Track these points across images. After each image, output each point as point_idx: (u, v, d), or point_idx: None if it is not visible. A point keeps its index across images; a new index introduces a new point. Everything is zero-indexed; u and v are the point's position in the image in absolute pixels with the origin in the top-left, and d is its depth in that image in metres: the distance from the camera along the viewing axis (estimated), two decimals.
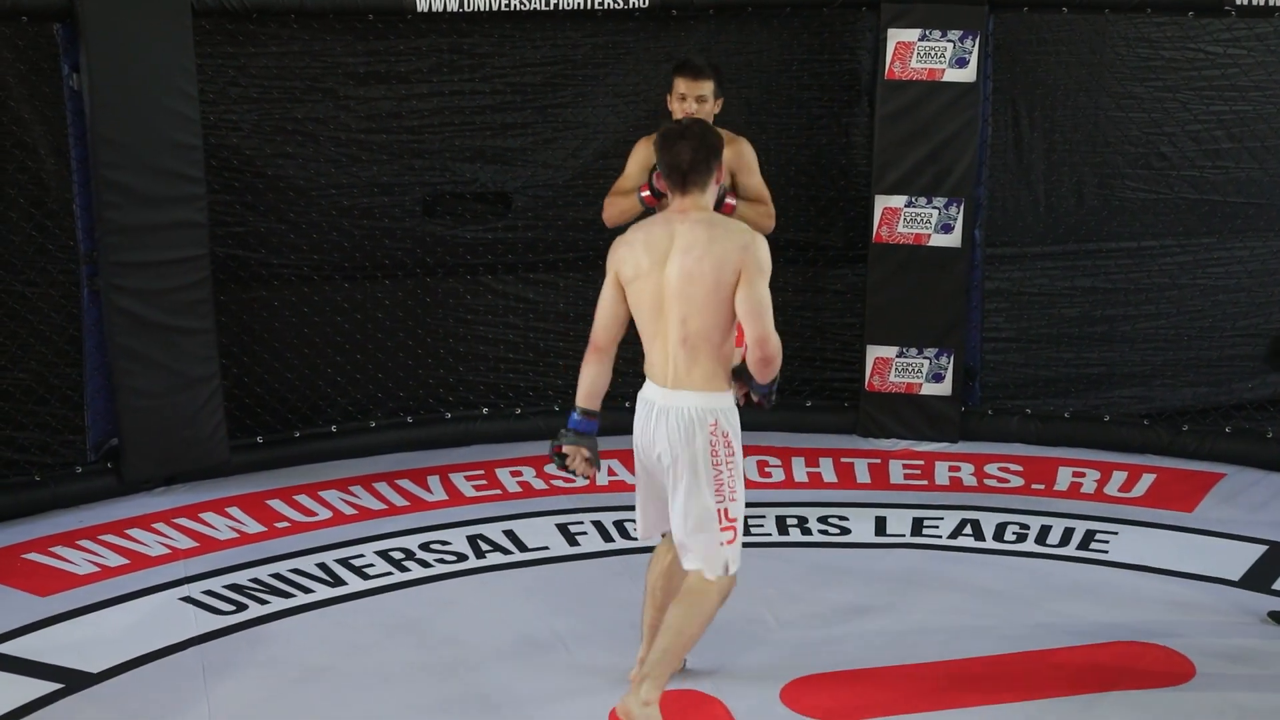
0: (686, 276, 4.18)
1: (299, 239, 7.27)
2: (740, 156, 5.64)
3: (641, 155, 5.80)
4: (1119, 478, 7.06)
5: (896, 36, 7.29)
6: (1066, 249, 7.84)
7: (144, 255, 6.49)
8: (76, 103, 6.36)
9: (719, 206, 5.01)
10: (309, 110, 7.19)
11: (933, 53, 7.30)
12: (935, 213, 7.36)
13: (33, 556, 5.99)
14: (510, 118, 7.53)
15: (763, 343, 4.17)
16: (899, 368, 7.62)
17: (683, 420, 4.24)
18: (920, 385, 7.63)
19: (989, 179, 7.53)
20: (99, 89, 6.29)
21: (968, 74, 7.28)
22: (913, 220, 7.40)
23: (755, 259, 4.15)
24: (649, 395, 4.36)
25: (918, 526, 6.34)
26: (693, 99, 5.60)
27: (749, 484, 6.86)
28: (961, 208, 7.36)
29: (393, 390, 7.55)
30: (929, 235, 7.39)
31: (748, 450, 7.30)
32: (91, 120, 6.29)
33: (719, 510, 4.26)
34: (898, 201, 7.43)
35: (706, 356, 4.24)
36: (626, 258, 4.33)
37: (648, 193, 5.50)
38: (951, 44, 7.25)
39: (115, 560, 5.97)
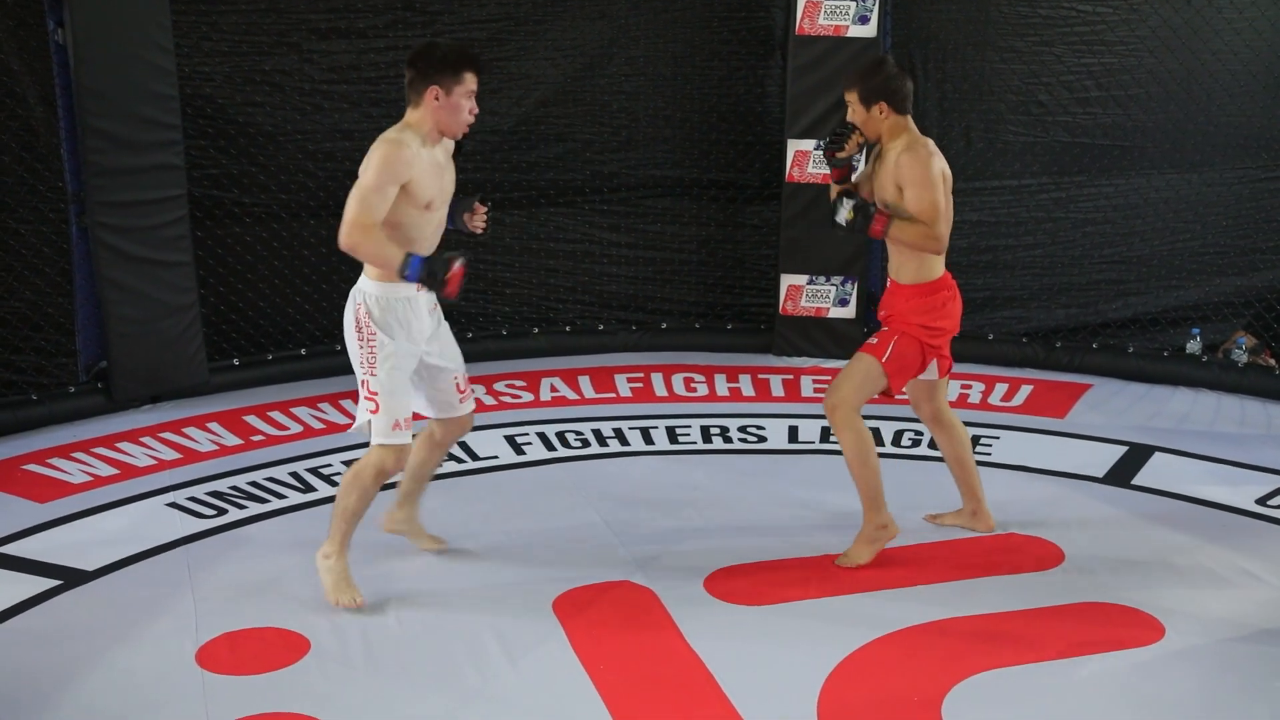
0: None
1: (268, 180, 7.23)
2: (903, 167, 4.78)
3: None
4: (1000, 389, 7.15)
5: None
6: (955, 187, 7.76)
7: (127, 195, 6.45)
8: (62, 55, 6.29)
9: (867, 225, 4.74)
10: (276, 63, 7.13)
11: (838, 11, 7.30)
12: None
13: (31, 467, 5.96)
14: None
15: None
16: (809, 294, 7.68)
17: (351, 301, 4.47)
18: (828, 309, 7.70)
19: None
20: (82, 43, 6.22)
21: (869, 30, 7.29)
22: (821, 162, 7.40)
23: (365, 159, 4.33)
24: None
25: (825, 434, 6.40)
26: (848, 110, 4.92)
27: (678, 398, 6.98)
28: (863, 151, 7.35)
29: None
30: None
31: (676, 368, 7.43)
32: (75, 72, 6.23)
33: (361, 380, 4.40)
34: (808, 145, 7.44)
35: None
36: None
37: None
38: (855, 2, 7.25)
39: (106, 470, 5.94)
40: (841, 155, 4.88)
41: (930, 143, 4.82)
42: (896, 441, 6.32)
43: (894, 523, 4.95)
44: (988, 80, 7.74)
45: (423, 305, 4.50)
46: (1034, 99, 7.72)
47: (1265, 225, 7.77)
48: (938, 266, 4.89)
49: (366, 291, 4.40)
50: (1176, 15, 7.38)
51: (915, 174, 4.72)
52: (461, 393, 4.74)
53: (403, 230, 4.35)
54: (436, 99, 4.32)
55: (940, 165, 4.79)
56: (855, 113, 4.84)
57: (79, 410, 6.57)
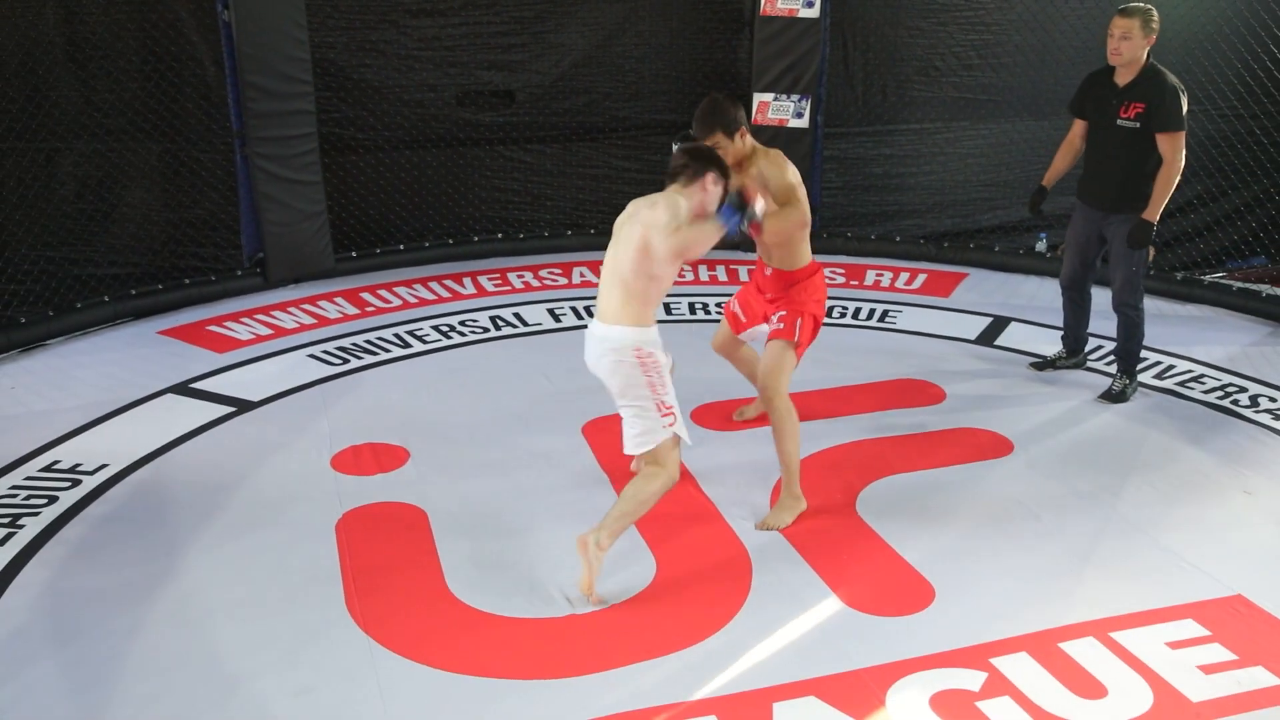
0: (629, 232, 3.46)
1: (375, 121, 7.12)
2: (775, 170, 3.94)
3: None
4: (904, 276, 7.12)
5: None
6: (875, 129, 7.77)
7: (275, 132, 6.36)
8: (227, 30, 6.16)
9: (744, 226, 3.53)
10: (380, 34, 6.98)
11: None
12: (791, 105, 7.25)
13: (212, 328, 5.98)
14: (514, 40, 7.33)
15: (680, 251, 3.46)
16: None
17: (613, 348, 3.48)
18: None
19: (827, 82, 7.40)
20: (241, 20, 6.09)
21: (814, 12, 7.10)
22: (778, 110, 7.29)
23: (664, 213, 3.42)
24: (590, 326, 3.59)
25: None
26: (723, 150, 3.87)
27: (677, 283, 6.93)
28: (809, 101, 7.25)
29: (439, 221, 7.47)
30: (788, 120, 7.28)
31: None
32: (237, 41, 6.11)
33: (656, 403, 3.48)
34: (768, 97, 7.30)
35: (638, 297, 3.46)
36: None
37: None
38: None
39: (264, 331, 5.96)
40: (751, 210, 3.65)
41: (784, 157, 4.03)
42: (829, 315, 6.32)
43: (802, 497, 4.01)
44: (899, 50, 7.58)
45: None
46: (932, 64, 7.57)
47: None
48: (809, 251, 4.17)
49: (637, 340, 3.46)
50: (1036, 4, 7.27)
51: (776, 171, 3.93)
52: None
53: (658, 285, 3.49)
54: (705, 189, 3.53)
55: (793, 172, 3.97)
56: (724, 150, 3.84)
57: (244, 288, 6.55)
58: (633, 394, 3.49)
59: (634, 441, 3.52)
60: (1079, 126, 5.08)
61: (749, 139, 3.99)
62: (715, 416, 4.83)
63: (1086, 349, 5.50)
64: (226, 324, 6.06)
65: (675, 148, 3.87)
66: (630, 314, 3.46)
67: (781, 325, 4.12)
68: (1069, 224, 5.19)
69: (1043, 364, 5.48)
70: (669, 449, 3.50)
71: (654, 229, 3.39)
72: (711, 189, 3.53)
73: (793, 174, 3.96)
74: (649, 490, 3.47)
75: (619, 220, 3.57)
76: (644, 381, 3.46)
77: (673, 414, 3.50)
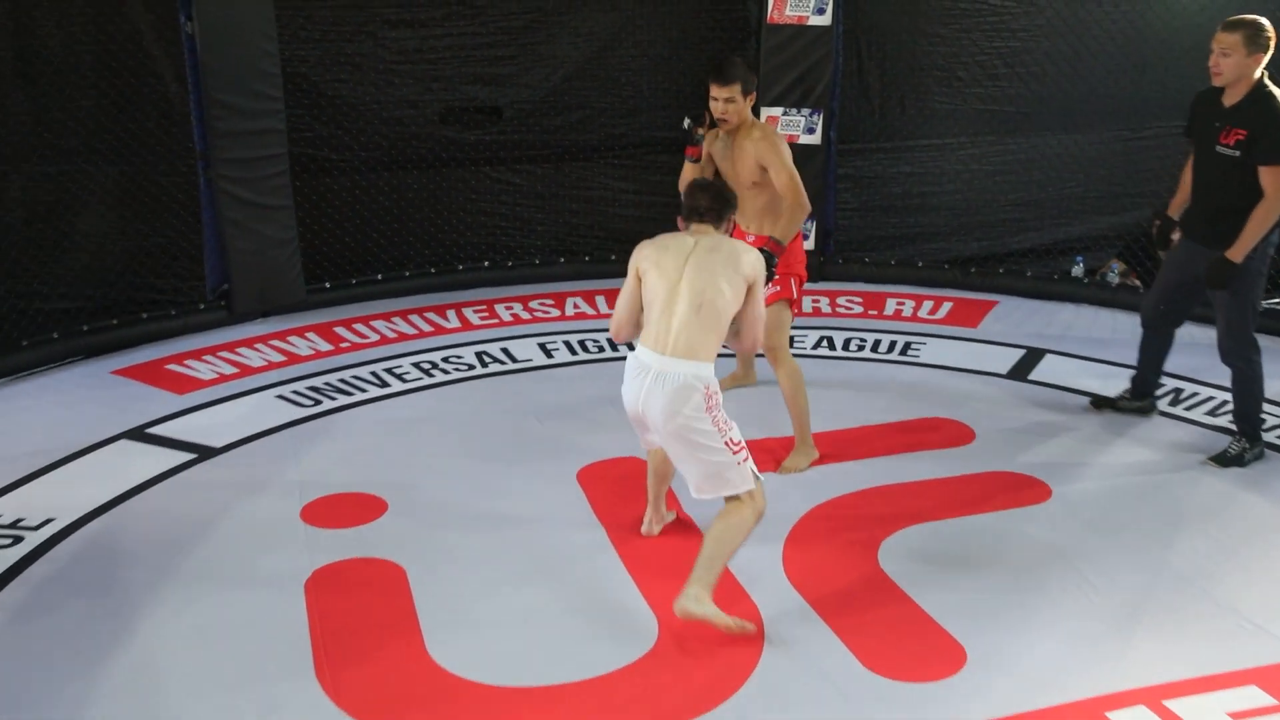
0: (709, 268, 3.51)
1: (351, 140, 7.13)
2: (771, 148, 4.57)
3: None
4: (928, 305, 7.11)
5: None
6: (893, 144, 7.79)
7: (242, 153, 6.37)
8: (191, 43, 6.19)
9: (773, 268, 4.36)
10: (356, 47, 7.01)
11: (800, 4, 7.15)
12: (803, 119, 7.27)
13: (172, 367, 5.95)
14: (500, 52, 7.36)
15: (756, 340, 3.71)
16: None
17: (680, 385, 3.47)
18: None
19: (840, 95, 7.43)
20: (206, 32, 6.13)
21: (826, 19, 7.14)
22: (787, 124, 7.30)
23: (763, 275, 3.64)
24: (644, 359, 3.56)
25: (791, 341, 6.35)
26: (723, 100, 4.55)
27: None
28: (821, 116, 7.27)
29: (420, 249, 7.46)
30: (799, 135, 7.30)
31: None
32: (201, 55, 6.15)
33: (725, 442, 3.51)
34: (777, 111, 7.32)
35: (713, 332, 3.54)
36: (649, 255, 3.63)
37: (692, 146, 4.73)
38: None
39: (229, 369, 5.93)
40: (701, 133, 4.70)
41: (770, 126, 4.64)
42: (846, 347, 6.29)
43: (815, 447, 4.77)
44: (918, 59, 7.61)
45: None
46: (954, 74, 7.60)
47: (1133, 175, 7.75)
48: None
49: (703, 376, 3.50)
50: (1066, 8, 7.29)
51: (774, 155, 4.53)
52: None
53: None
54: None
55: (786, 146, 4.60)
56: (736, 104, 4.52)
57: (207, 322, 6.53)
58: (696, 435, 3.49)
59: (704, 485, 3.56)
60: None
61: (748, 109, 4.60)
62: None
63: (1157, 393, 5.32)
64: (187, 362, 6.03)
65: (686, 124, 4.60)
66: (707, 349, 3.52)
67: (778, 287, 4.66)
68: (1166, 258, 4.98)
69: (1102, 403, 5.35)
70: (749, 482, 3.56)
71: (758, 281, 3.61)
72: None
73: (788, 154, 4.52)
74: (737, 524, 3.51)
75: (679, 247, 3.61)
76: (709, 419, 3.49)
77: (743, 449, 3.55)
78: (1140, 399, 5.28)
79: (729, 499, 3.56)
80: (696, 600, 3.41)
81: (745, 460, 3.54)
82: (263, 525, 4.25)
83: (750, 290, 3.60)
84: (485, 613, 3.69)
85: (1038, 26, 7.42)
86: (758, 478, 3.58)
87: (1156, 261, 6.77)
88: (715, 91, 4.56)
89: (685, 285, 3.53)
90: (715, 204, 3.73)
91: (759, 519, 3.57)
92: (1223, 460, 4.76)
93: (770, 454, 4.78)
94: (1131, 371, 5.34)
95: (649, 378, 3.52)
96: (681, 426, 3.48)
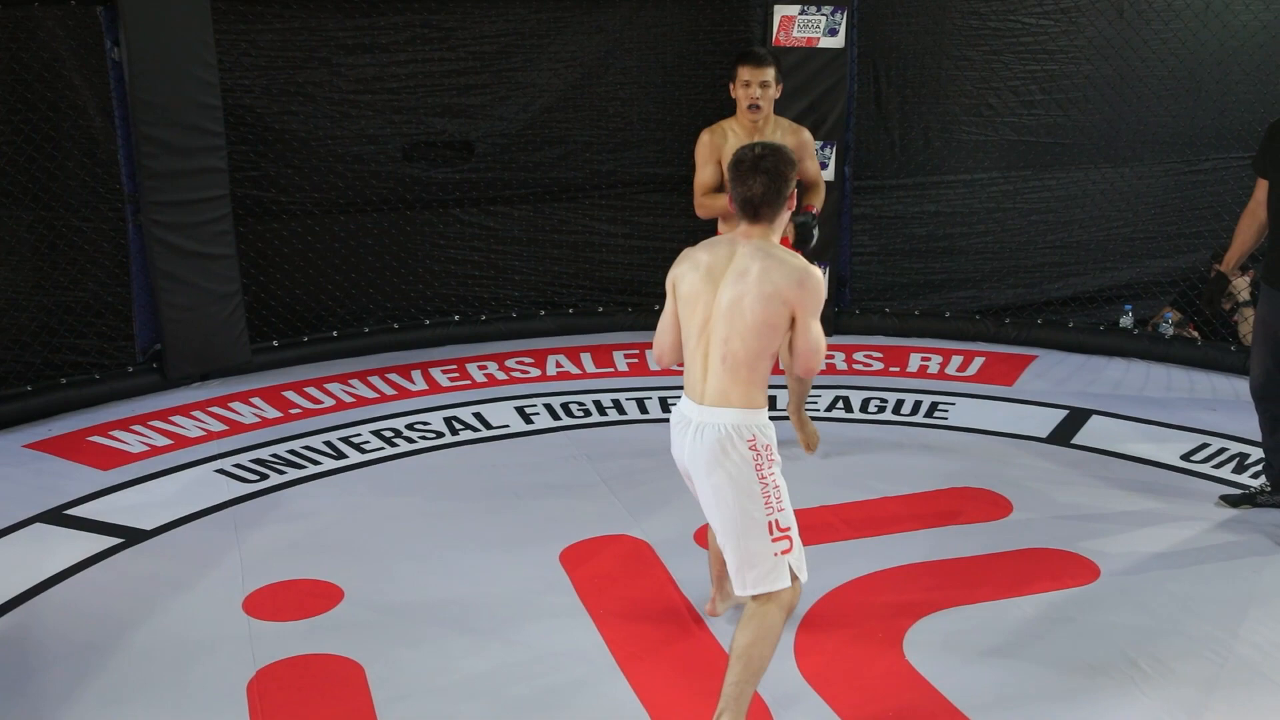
0: (736, 302, 3.37)
1: (303, 181, 7.21)
2: (803, 146, 5.11)
3: (706, 149, 5.17)
4: (956, 360, 7.16)
5: (781, 11, 7.25)
6: (916, 181, 7.89)
7: (177, 195, 6.42)
8: (118, 72, 6.27)
9: (799, 208, 4.78)
10: (308, 75, 7.10)
11: (810, 24, 7.26)
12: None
13: (95, 439, 5.96)
14: (472, 80, 7.46)
15: (810, 369, 3.48)
16: None
17: (719, 436, 3.38)
18: None
19: (855, 125, 7.54)
20: (136, 60, 6.20)
21: (838, 41, 7.26)
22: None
23: (811, 297, 3.35)
24: (685, 411, 3.49)
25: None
26: (757, 84, 4.99)
27: (670, 372, 6.99)
28: (834, 149, 7.36)
29: (381, 302, 7.52)
30: None
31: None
32: (130, 86, 6.22)
33: (769, 522, 3.36)
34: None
35: (745, 378, 3.39)
36: (684, 275, 3.52)
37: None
38: (825, 17, 7.22)
39: (161, 441, 5.94)
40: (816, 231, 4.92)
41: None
42: (865, 408, 6.33)
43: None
44: (944, 85, 7.72)
45: None
46: (985, 102, 7.71)
47: (1188, 213, 7.83)
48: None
49: (757, 424, 3.41)
50: (1110, 27, 7.40)
51: (810, 150, 5.18)
52: None
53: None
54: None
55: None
56: (770, 89, 5.05)
57: (136, 388, 6.55)
58: (739, 498, 3.36)
59: (735, 574, 3.41)
60: (1262, 189, 4.77)
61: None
62: None
63: None
64: (113, 433, 6.04)
65: (803, 218, 4.78)
66: (749, 395, 3.40)
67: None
68: (1254, 312, 4.87)
69: (1239, 500, 5.06)
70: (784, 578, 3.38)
71: (802, 306, 3.37)
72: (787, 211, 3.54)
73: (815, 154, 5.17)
74: (766, 633, 3.34)
75: (713, 264, 3.47)
76: (757, 481, 3.35)
77: (788, 538, 3.37)
78: None
79: (756, 597, 3.38)
80: None
81: (787, 552, 3.36)
82: (199, 619, 4.23)
83: (795, 318, 3.37)
84: (455, 717, 3.67)
85: (1078, 48, 7.54)
86: (797, 576, 3.39)
87: (1216, 310, 6.85)
88: (748, 74, 4.99)
89: (714, 324, 3.42)
90: (774, 187, 3.41)
91: (787, 615, 3.40)
92: None
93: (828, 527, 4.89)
94: (1256, 454, 5.23)
95: (690, 431, 3.43)
96: (722, 484, 3.37)
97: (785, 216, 3.49)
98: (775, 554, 3.34)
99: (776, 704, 3.69)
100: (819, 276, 3.37)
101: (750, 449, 3.35)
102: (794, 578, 3.38)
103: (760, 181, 3.39)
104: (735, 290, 3.37)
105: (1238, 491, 5.12)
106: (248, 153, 6.99)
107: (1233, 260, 4.93)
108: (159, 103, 6.28)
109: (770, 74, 5.02)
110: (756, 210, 3.42)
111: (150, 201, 6.36)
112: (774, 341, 3.39)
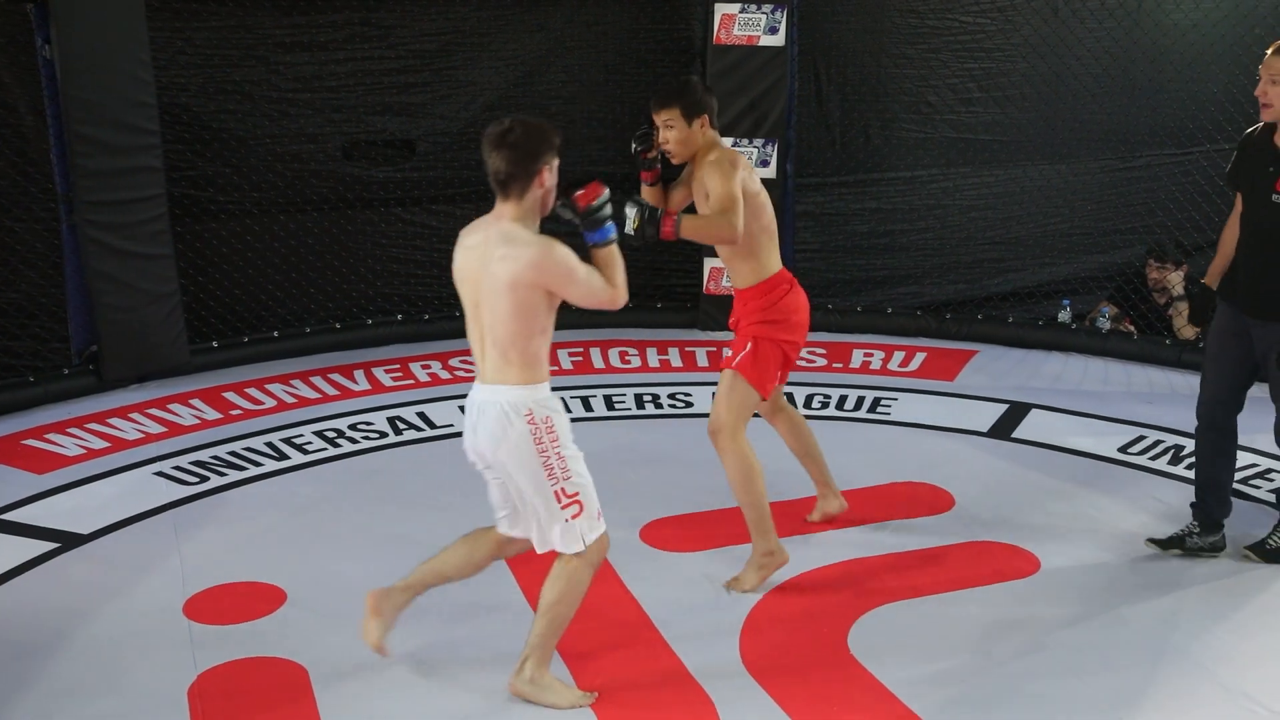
0: (491, 290, 3.48)
1: (241, 180, 7.15)
2: (714, 165, 4.27)
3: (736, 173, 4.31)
4: (898, 356, 7.21)
5: (721, 9, 7.28)
6: (857, 178, 7.94)
7: (111, 195, 6.36)
8: (50, 69, 6.20)
9: (656, 229, 4.09)
10: (245, 73, 7.05)
11: (750, 22, 7.30)
12: (755, 151, 7.38)
13: (30, 442, 5.88)
14: (412, 78, 7.44)
15: (606, 306, 3.58)
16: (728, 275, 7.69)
17: (497, 413, 3.51)
18: None
19: (797, 123, 7.57)
20: (68, 57, 6.13)
21: (778, 40, 7.30)
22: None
23: (554, 271, 3.41)
24: (471, 393, 3.64)
25: None
26: (661, 126, 4.35)
27: (614, 370, 6.98)
28: (776, 147, 7.39)
29: (323, 302, 7.47)
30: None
31: (612, 343, 7.43)
32: (62, 84, 6.15)
33: (555, 491, 3.53)
34: (727, 142, 7.42)
35: (516, 359, 3.52)
36: (456, 257, 3.64)
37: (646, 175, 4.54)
38: (765, 15, 7.25)
39: (98, 444, 5.86)
40: (651, 155, 4.44)
41: (741, 156, 4.37)
42: (809, 404, 6.36)
43: (782, 550, 4.38)
44: (883, 84, 7.79)
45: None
46: (924, 100, 7.78)
47: (1124, 209, 7.95)
48: (772, 264, 4.43)
49: (525, 400, 3.52)
50: (1045, 25, 7.50)
51: (716, 177, 4.22)
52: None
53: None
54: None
55: (743, 174, 4.26)
56: (676, 129, 4.30)
57: (72, 390, 6.47)
58: (522, 476, 3.55)
59: (538, 543, 3.63)
60: (1241, 201, 4.50)
61: (710, 133, 4.37)
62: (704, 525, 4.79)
63: (1228, 519, 4.64)
64: (48, 436, 5.96)
65: (634, 147, 4.44)
66: (521, 370, 3.54)
67: (730, 352, 4.43)
68: (1209, 330, 4.59)
69: (1168, 543, 4.64)
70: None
71: (552, 277, 3.46)
72: (549, 181, 3.51)
73: (738, 181, 4.20)
74: (571, 589, 3.59)
75: (471, 245, 3.61)
76: (537, 458, 3.51)
77: (575, 502, 3.55)
78: (1211, 531, 4.62)
79: (561, 555, 3.60)
80: (530, 680, 3.63)
81: (576, 517, 3.55)
82: (138, 624, 4.18)
83: (528, 287, 3.41)
84: (401, 717, 3.65)
85: (1014, 46, 7.63)
86: (590, 534, 3.57)
87: (1151, 304, 6.94)
88: (654, 116, 4.39)
89: (481, 308, 3.57)
90: (518, 164, 3.43)
91: (594, 571, 3.63)
92: (1263, 553, 4.56)
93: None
94: (1182, 486, 5.04)
95: (474, 411, 3.60)
96: (506, 458, 3.53)
97: (537, 195, 3.49)
98: (565, 519, 3.54)
99: (722, 700, 3.70)
100: (558, 249, 3.41)
101: (529, 423, 3.50)
102: (603, 534, 3.61)
103: (503, 156, 3.43)
104: (488, 278, 3.49)
105: (1164, 536, 4.69)
106: (184, 152, 6.92)
107: (1214, 273, 4.64)
108: (92, 101, 6.22)
109: (672, 113, 4.32)
110: (503, 186, 3.47)
111: (84, 201, 6.30)
112: (534, 321, 3.48)
